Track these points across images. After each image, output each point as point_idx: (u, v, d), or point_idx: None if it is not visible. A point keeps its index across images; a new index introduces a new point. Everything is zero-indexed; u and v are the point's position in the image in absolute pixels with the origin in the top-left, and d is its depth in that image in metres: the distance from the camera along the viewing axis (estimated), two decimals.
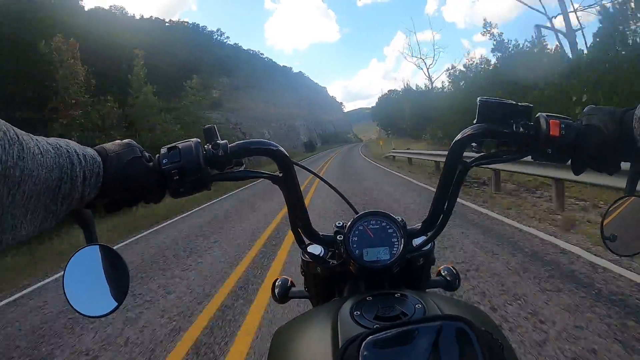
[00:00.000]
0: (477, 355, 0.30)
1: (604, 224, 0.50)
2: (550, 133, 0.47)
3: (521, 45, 17.94)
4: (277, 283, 0.70)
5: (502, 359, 0.33)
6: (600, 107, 0.47)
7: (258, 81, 46.66)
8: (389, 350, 0.31)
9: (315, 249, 0.61)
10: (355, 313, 0.43)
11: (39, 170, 0.31)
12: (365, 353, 0.30)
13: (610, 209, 0.51)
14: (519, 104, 0.50)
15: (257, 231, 5.05)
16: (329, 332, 0.41)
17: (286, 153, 0.54)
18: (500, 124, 0.49)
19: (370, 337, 0.31)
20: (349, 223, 0.58)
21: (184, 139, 0.50)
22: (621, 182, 1.85)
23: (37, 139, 0.33)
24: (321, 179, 0.70)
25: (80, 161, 0.37)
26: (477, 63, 21.92)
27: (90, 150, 0.41)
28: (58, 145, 0.36)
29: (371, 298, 0.46)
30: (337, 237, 0.58)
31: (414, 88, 37.53)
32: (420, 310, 0.43)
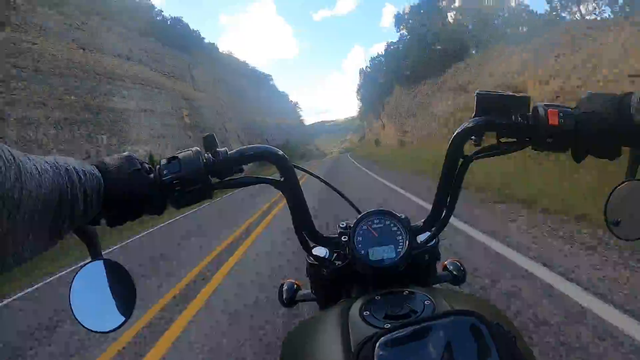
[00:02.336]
0: (490, 348, 0.30)
1: (606, 208, 0.50)
2: (549, 122, 0.47)
3: None
4: (283, 287, 0.69)
5: (515, 350, 0.33)
6: (598, 93, 0.47)
7: None
8: (403, 348, 0.31)
9: (320, 251, 0.61)
10: (364, 313, 0.43)
11: (38, 190, 0.30)
12: (380, 353, 0.30)
13: (612, 193, 0.51)
14: (516, 94, 0.50)
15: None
16: (340, 334, 0.41)
17: (287, 157, 0.54)
18: (499, 115, 0.49)
19: (384, 337, 0.31)
20: (353, 223, 0.58)
21: None
22: None
23: (34, 159, 0.32)
24: (324, 182, 0.70)
25: (80, 178, 0.37)
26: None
27: (89, 167, 0.41)
28: (56, 164, 0.35)
29: (379, 297, 0.46)
30: (342, 238, 0.58)
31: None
32: (429, 307, 0.42)
